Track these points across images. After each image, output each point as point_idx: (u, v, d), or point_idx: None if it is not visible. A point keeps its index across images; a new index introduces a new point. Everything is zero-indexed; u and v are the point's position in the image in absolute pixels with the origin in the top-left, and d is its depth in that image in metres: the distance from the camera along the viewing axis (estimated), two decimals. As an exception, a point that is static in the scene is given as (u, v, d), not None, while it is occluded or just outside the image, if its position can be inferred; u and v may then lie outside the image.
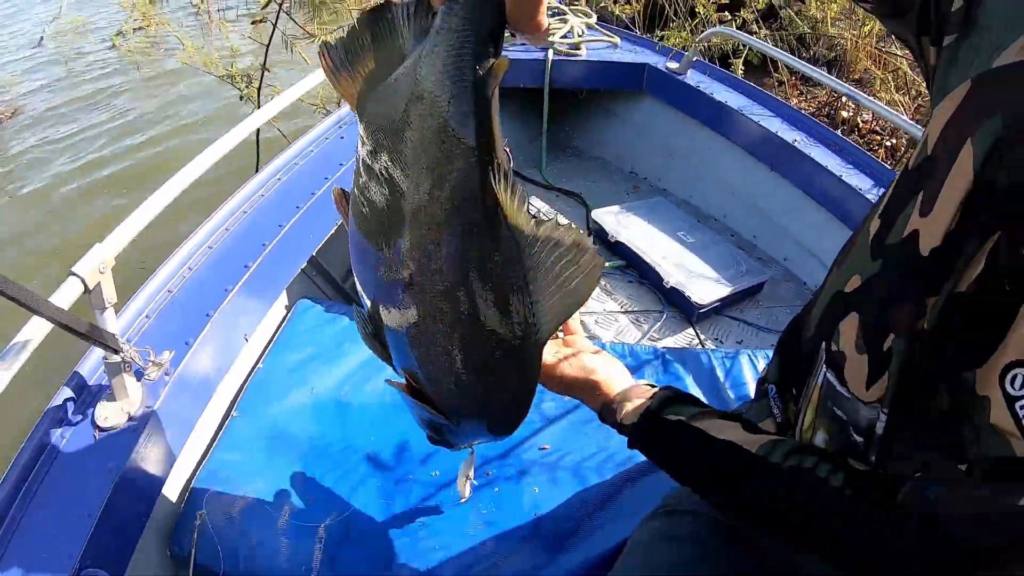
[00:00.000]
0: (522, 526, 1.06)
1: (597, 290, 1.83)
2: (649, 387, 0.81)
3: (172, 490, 1.11)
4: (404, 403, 0.72)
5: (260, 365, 1.30)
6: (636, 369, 1.37)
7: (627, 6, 4.34)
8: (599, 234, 1.99)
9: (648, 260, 1.83)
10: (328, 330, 1.38)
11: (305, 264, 1.50)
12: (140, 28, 4.78)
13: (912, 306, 0.60)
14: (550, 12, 2.74)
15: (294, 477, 1.13)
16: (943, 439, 0.61)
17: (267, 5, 3.02)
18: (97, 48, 6.22)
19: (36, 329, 0.88)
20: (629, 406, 0.79)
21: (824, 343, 0.72)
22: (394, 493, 1.11)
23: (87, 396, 1.04)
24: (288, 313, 1.42)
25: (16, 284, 0.77)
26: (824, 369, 0.72)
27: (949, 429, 0.61)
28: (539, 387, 0.77)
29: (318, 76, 1.54)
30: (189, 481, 1.12)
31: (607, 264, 1.91)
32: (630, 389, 0.81)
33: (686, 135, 2.14)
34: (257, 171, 1.59)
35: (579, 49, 2.27)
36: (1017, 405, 0.55)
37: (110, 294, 0.97)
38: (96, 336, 0.91)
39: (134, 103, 5.05)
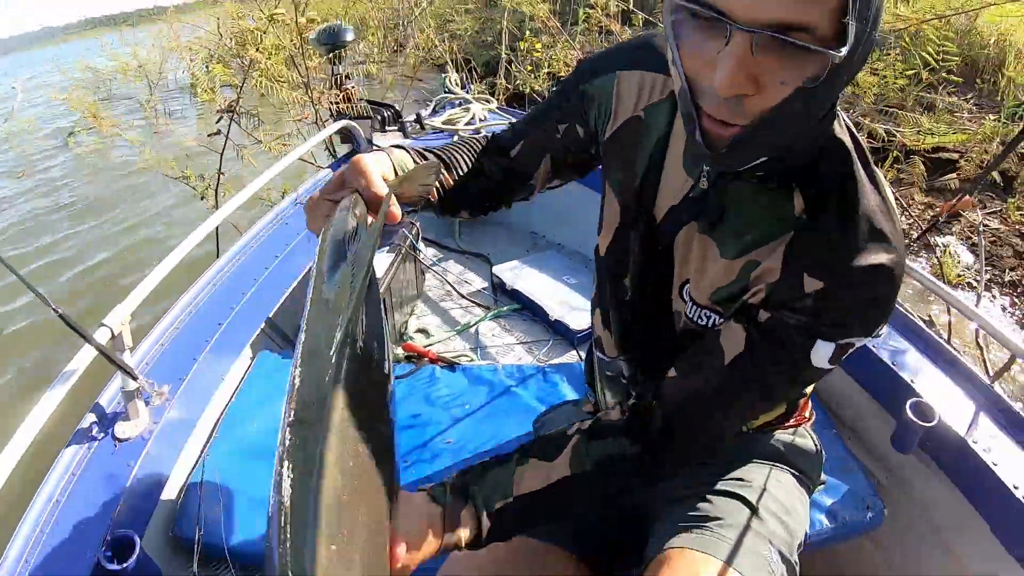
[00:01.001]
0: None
1: (497, 326, 2.31)
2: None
3: (172, 487, 1.44)
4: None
5: (233, 399, 1.68)
6: (523, 381, 1.79)
7: (535, 81, 4.94)
8: (500, 285, 2.47)
9: (537, 300, 2.29)
10: (285, 372, 1.79)
11: (264, 324, 1.93)
12: (92, 128, 5.24)
13: (614, 289, 0.97)
14: (456, 102, 3.27)
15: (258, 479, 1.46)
16: (663, 360, 0.85)
17: (220, 120, 3.54)
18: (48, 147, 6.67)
19: (84, 358, 1.28)
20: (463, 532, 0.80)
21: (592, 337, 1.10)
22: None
23: (105, 418, 1.41)
24: (253, 360, 1.84)
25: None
26: (595, 351, 1.11)
27: (666, 348, 0.89)
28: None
29: (266, 177, 2.04)
30: (186, 480, 1.46)
31: (504, 308, 2.38)
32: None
33: (576, 196, 2.37)
34: (218, 256, 2.04)
35: (480, 133, 2.78)
36: (690, 308, 0.85)
37: (128, 340, 1.38)
38: (124, 366, 1.34)
39: (89, 198, 5.56)
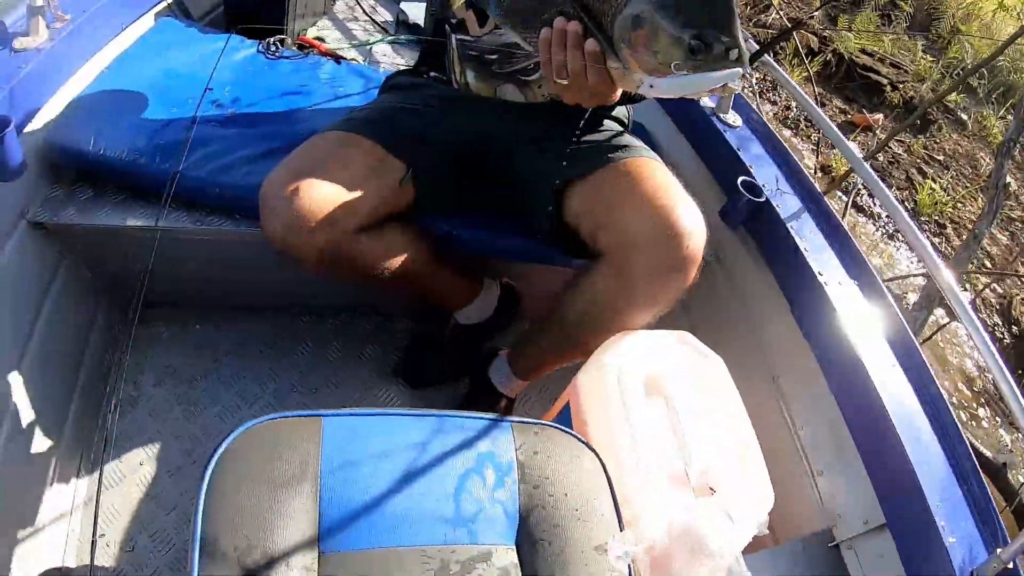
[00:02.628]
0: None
1: (391, 50, 2.44)
2: None
3: (59, 99, 1.50)
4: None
5: (132, 44, 1.76)
6: None
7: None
8: (404, 21, 2.60)
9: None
10: (185, 34, 1.88)
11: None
12: None
13: None
14: None
15: (137, 111, 1.55)
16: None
17: None
18: None
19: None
20: None
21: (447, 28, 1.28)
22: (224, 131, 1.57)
23: (6, 32, 1.43)
24: (155, 24, 1.90)
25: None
26: (452, 37, 1.28)
27: None
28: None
29: None
30: (74, 97, 1.54)
31: (403, 37, 2.52)
32: None
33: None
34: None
35: None
36: None
37: None
38: None
39: None
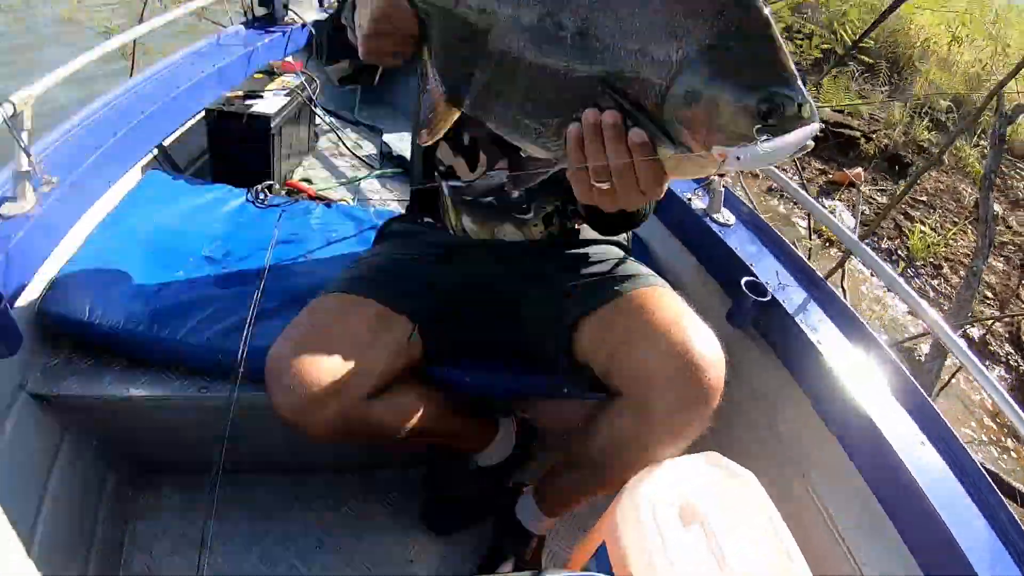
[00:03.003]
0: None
1: (378, 184, 2.49)
2: None
3: (49, 266, 1.50)
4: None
5: (120, 203, 1.77)
6: None
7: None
8: (388, 152, 2.68)
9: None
10: (173, 187, 1.92)
11: (156, 150, 2.07)
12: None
13: None
14: None
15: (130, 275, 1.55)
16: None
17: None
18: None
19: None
20: None
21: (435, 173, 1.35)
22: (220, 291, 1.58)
23: None
24: (142, 177, 1.95)
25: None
26: (443, 185, 1.33)
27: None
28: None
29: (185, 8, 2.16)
30: (64, 264, 1.53)
31: (388, 170, 2.58)
32: None
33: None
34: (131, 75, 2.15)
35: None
36: None
37: (28, 122, 1.46)
38: (21, 141, 1.43)
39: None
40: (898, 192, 5.01)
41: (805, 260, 1.71)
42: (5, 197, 1.48)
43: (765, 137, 0.69)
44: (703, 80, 0.72)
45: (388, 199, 2.43)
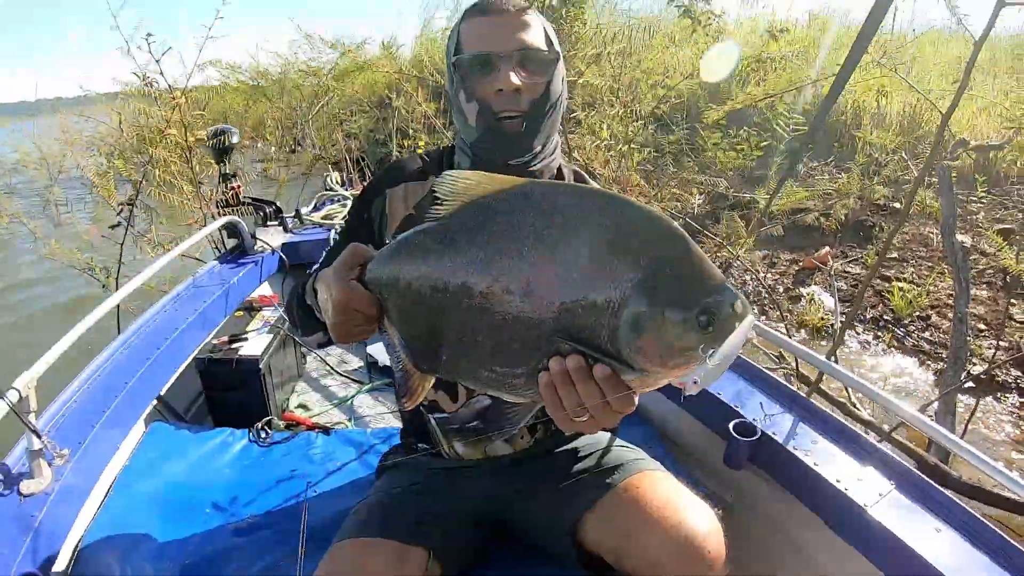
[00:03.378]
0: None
1: (370, 398, 2.57)
2: None
3: (73, 537, 1.57)
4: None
5: (129, 462, 1.84)
6: (386, 439, 1.99)
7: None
8: (374, 364, 2.76)
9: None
10: (176, 438, 1.99)
11: (156, 401, 2.14)
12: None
13: None
14: (336, 199, 3.61)
15: (151, 534, 1.60)
16: None
17: (120, 212, 3.80)
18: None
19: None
20: None
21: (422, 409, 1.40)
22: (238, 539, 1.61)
23: (11, 476, 1.52)
24: (147, 430, 2.02)
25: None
26: (429, 417, 1.40)
27: None
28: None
29: (159, 264, 2.29)
30: (85, 531, 1.58)
31: (378, 382, 2.66)
32: None
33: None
34: (119, 333, 2.26)
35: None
36: None
37: (34, 403, 1.55)
38: (31, 426, 1.51)
39: None
40: (870, 261, 5.17)
41: (787, 385, 1.79)
42: (22, 474, 1.55)
43: (711, 352, 0.75)
44: (644, 310, 0.78)
45: (382, 413, 2.48)
